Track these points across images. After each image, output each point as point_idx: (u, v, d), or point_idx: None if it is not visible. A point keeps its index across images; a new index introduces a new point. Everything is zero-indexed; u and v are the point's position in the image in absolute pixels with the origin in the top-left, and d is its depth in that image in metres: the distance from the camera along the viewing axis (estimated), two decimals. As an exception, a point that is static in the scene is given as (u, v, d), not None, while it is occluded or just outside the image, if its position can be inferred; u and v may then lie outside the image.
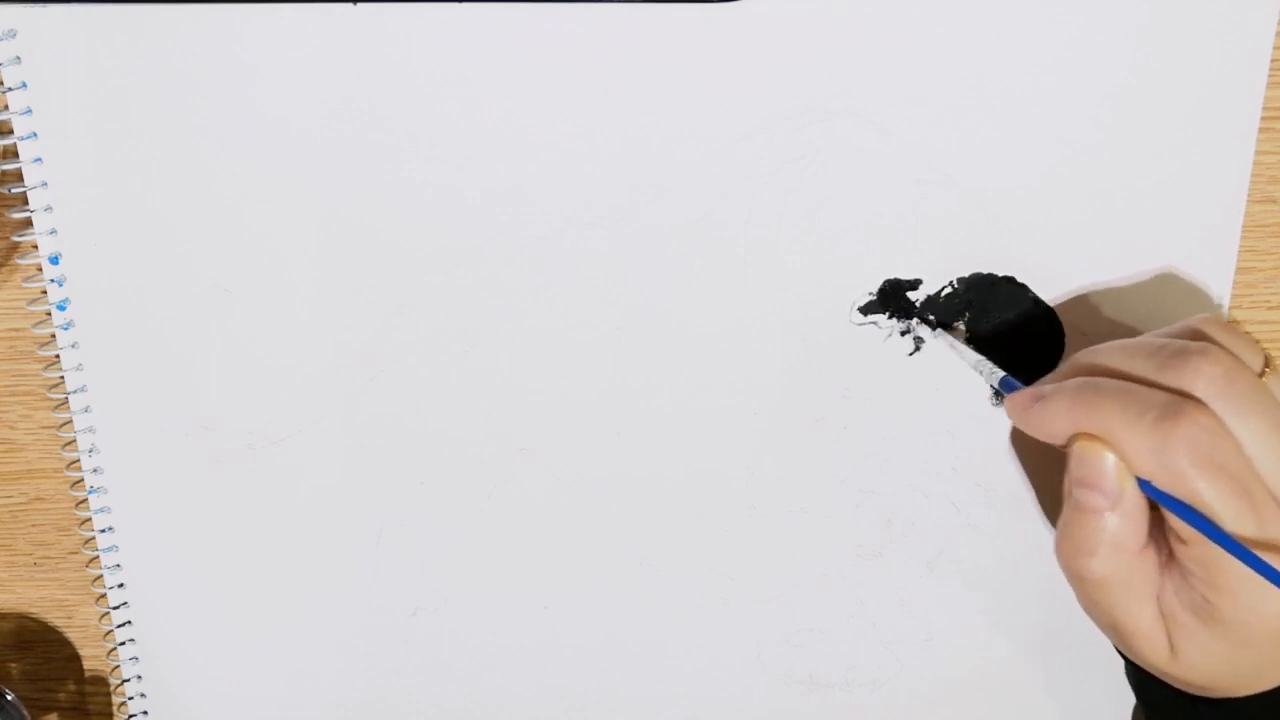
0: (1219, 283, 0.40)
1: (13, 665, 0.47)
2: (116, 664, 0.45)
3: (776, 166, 0.39)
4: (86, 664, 0.47)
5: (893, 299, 0.40)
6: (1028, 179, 0.39)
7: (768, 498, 0.42)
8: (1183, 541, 0.32)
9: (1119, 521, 0.32)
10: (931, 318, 0.40)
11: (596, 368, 0.41)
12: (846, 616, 0.44)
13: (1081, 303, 0.40)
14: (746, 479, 0.42)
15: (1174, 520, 0.32)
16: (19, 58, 0.38)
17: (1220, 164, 0.38)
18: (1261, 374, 0.33)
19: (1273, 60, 0.37)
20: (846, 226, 0.39)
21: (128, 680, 0.45)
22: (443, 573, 0.44)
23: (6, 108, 0.39)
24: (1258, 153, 0.38)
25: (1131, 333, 0.40)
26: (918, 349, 0.40)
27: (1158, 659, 0.34)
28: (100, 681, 0.47)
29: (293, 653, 0.45)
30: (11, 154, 0.39)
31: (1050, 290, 0.40)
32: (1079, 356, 0.35)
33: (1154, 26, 0.37)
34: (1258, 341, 0.35)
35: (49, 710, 0.47)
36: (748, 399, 0.41)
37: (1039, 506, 0.42)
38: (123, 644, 0.45)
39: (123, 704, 0.46)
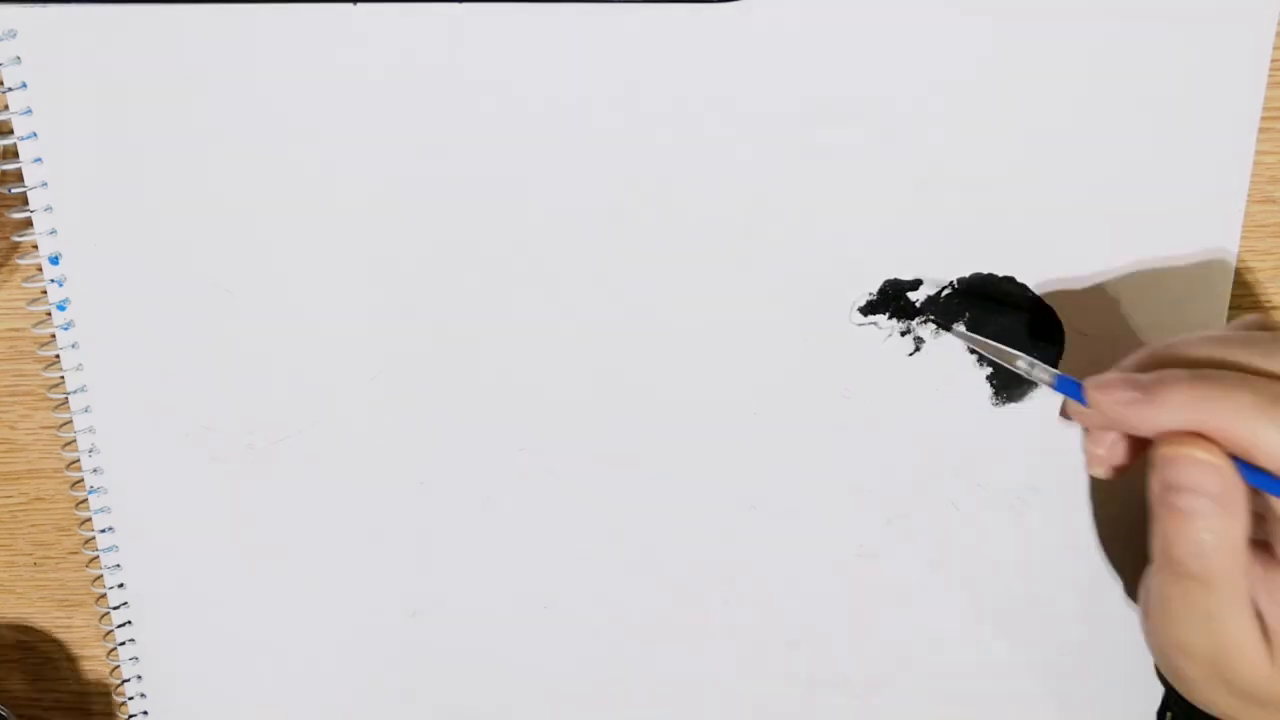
0: (1219, 283, 0.40)
1: (13, 665, 0.47)
2: (116, 664, 0.45)
3: (777, 166, 0.39)
4: (86, 664, 0.47)
5: (893, 299, 0.40)
6: (1028, 179, 0.39)
7: (768, 498, 0.42)
8: None
9: (1224, 521, 0.31)
10: (937, 321, 0.39)
11: (596, 368, 0.41)
12: (846, 616, 0.44)
13: (1082, 303, 0.40)
14: (746, 479, 0.42)
15: None
16: (19, 58, 0.38)
17: (1220, 164, 0.38)
18: None
19: (1273, 60, 0.37)
20: (846, 226, 0.39)
21: (128, 680, 0.45)
22: (443, 573, 0.44)
23: (6, 108, 0.39)
24: (1258, 153, 0.38)
25: (1132, 333, 0.40)
26: (918, 349, 0.40)
27: (1257, 673, 0.33)
28: (100, 682, 0.47)
29: (292, 653, 0.45)
30: (11, 154, 0.39)
31: (1050, 291, 0.40)
32: (1157, 349, 0.34)
33: (1154, 26, 0.37)
34: None
35: (49, 711, 0.47)
36: (748, 398, 0.41)
37: (1090, 514, 0.41)
38: (123, 644, 0.45)
39: (123, 704, 0.46)
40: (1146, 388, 0.32)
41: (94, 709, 0.48)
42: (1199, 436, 0.32)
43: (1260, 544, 0.33)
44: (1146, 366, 0.34)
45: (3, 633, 0.47)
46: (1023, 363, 0.37)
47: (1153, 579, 0.34)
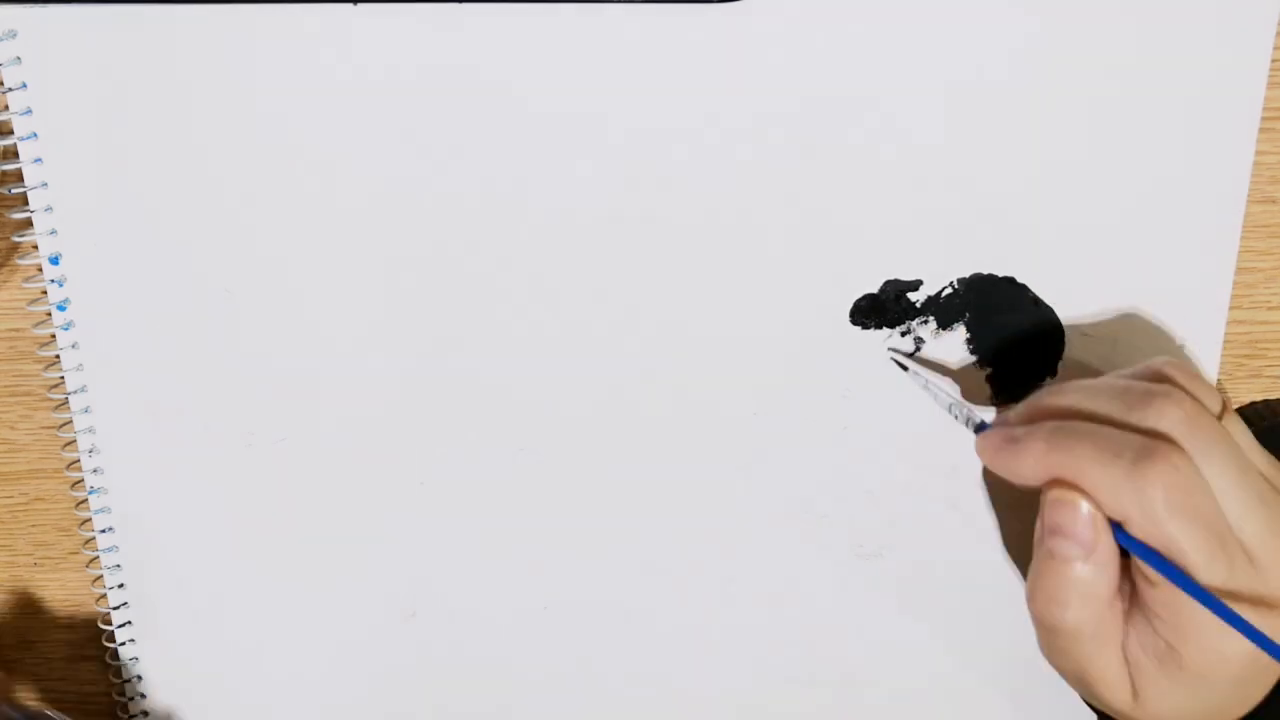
0: (1219, 283, 0.40)
1: (13, 665, 0.47)
2: (117, 664, 0.45)
3: (777, 166, 0.39)
4: (86, 665, 0.47)
5: (893, 299, 0.40)
6: (1028, 179, 0.39)
7: (768, 498, 0.42)
8: (1150, 583, 0.32)
9: (1092, 571, 0.32)
10: (907, 352, 0.40)
11: (596, 368, 0.41)
12: (846, 616, 0.44)
13: (1081, 303, 0.40)
14: (747, 479, 0.42)
15: (1142, 563, 0.32)
16: (19, 58, 0.38)
17: (1220, 164, 0.38)
18: (1219, 417, 0.33)
19: (1273, 60, 0.37)
20: (846, 227, 0.39)
21: (128, 681, 0.45)
22: (442, 573, 0.44)
23: (6, 108, 0.39)
24: (1258, 153, 0.38)
25: (1132, 333, 0.40)
26: (918, 349, 0.40)
27: (1121, 704, 0.34)
28: (101, 682, 0.47)
29: (292, 653, 0.45)
30: (11, 154, 0.39)
31: (1050, 290, 0.40)
32: (1040, 397, 0.35)
33: (1153, 27, 0.37)
34: (1214, 386, 0.35)
35: (46, 710, 0.48)
36: (748, 399, 0.41)
37: (1005, 547, 0.42)
38: (123, 644, 0.45)
39: (123, 704, 0.46)
40: (1015, 439, 0.34)
41: (94, 709, 0.48)
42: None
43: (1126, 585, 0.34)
44: (1030, 413, 0.35)
45: (3, 633, 0.47)
46: (950, 402, 0.39)
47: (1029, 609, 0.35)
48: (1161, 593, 0.32)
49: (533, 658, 0.45)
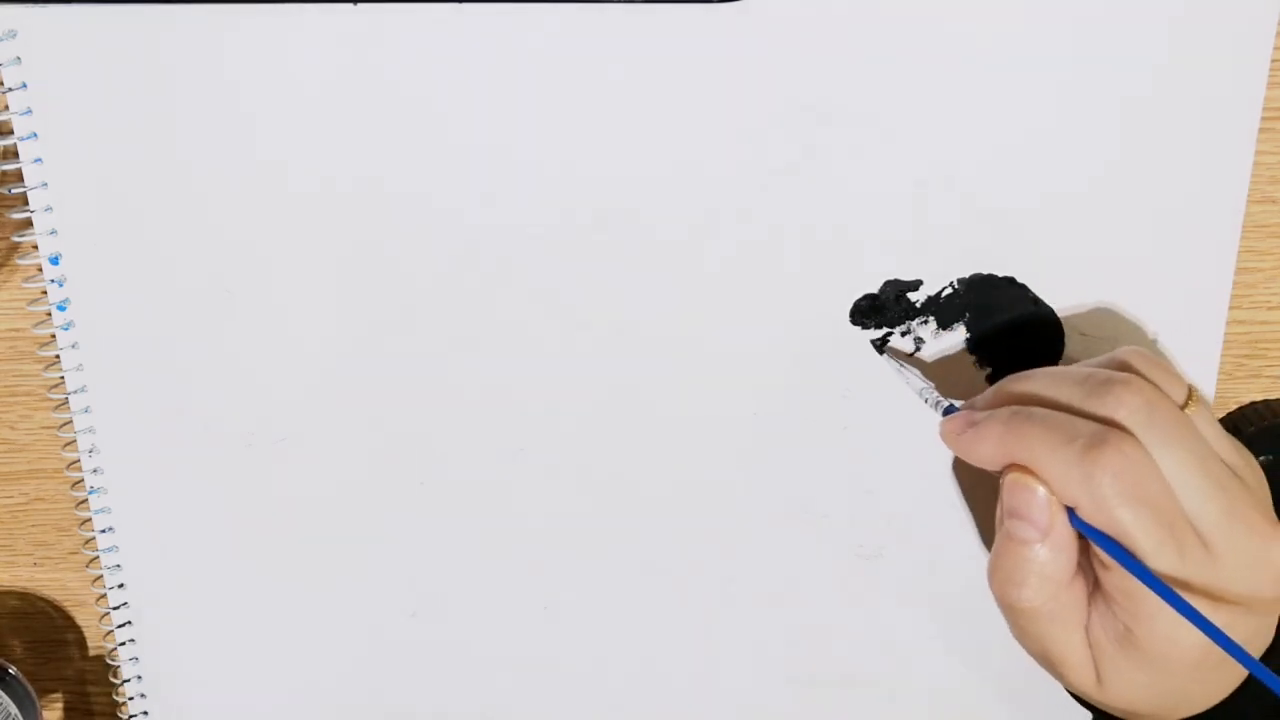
0: (1219, 283, 0.40)
1: (13, 665, 0.47)
2: (117, 664, 0.45)
3: (777, 167, 0.39)
4: (87, 665, 0.47)
5: (893, 299, 0.40)
6: (1027, 179, 0.39)
7: (768, 498, 0.42)
8: (1105, 567, 0.33)
9: (1049, 553, 0.33)
10: (876, 341, 0.40)
11: (596, 368, 0.41)
12: (846, 616, 0.44)
13: (1081, 303, 0.40)
14: (746, 479, 0.42)
15: (1097, 547, 0.32)
16: (19, 58, 0.38)
17: (1220, 164, 0.38)
18: (1184, 406, 0.34)
19: (1273, 60, 0.37)
20: (847, 227, 0.39)
21: (128, 680, 0.45)
22: (442, 573, 0.44)
23: (6, 108, 0.39)
24: (1258, 153, 0.38)
25: (1132, 333, 0.40)
26: (918, 349, 0.40)
27: (1086, 687, 0.34)
28: (101, 682, 0.47)
29: (293, 653, 0.45)
30: (11, 154, 0.39)
31: (1050, 291, 0.40)
32: (1005, 383, 0.36)
33: (1153, 27, 0.37)
34: (1180, 374, 0.35)
35: (47, 710, 0.47)
36: (748, 399, 0.41)
37: (977, 533, 0.42)
38: (123, 644, 0.45)
39: (123, 704, 0.46)
40: (975, 422, 0.35)
41: (94, 709, 0.48)
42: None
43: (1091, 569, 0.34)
44: (995, 399, 0.36)
45: (2, 633, 0.47)
46: (920, 386, 0.39)
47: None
48: (1115, 576, 0.32)
49: (533, 658, 0.45)
